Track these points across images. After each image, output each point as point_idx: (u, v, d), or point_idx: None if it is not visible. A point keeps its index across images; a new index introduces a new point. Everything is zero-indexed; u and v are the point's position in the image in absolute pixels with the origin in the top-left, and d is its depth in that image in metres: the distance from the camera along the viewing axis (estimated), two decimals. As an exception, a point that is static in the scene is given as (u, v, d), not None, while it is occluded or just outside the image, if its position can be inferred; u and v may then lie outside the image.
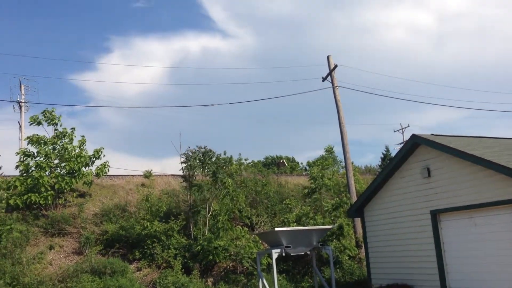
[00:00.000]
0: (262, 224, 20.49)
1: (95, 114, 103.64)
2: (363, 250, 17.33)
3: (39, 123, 20.40)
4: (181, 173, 20.57)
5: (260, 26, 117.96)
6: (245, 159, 24.60)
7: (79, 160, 19.92)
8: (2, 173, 20.30)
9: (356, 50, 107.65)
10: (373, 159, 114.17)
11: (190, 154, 19.68)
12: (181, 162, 19.57)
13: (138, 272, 17.06)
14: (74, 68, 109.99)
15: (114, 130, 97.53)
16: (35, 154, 19.87)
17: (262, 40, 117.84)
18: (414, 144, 13.34)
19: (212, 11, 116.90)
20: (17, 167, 19.81)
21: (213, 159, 19.73)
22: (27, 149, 20.05)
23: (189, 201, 19.51)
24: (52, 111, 20.61)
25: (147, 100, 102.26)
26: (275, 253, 12.97)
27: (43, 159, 19.67)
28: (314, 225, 18.13)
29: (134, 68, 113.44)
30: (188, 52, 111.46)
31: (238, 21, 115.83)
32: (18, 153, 20.18)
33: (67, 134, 20.43)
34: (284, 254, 13.19)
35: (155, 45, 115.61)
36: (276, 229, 13.27)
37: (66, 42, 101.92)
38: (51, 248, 17.64)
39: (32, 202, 18.81)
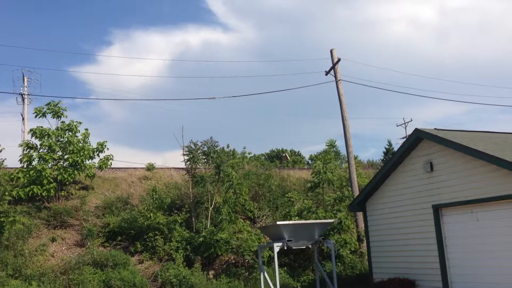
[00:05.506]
0: (264, 217, 20.50)
1: (96, 107, 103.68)
2: (364, 244, 17.31)
3: (43, 115, 20.43)
4: (183, 166, 20.59)
5: (261, 19, 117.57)
6: (248, 153, 24.58)
7: (82, 153, 19.95)
8: (5, 165, 20.35)
9: (358, 44, 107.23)
10: (375, 154, 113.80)
11: (193, 146, 19.69)
12: (183, 154, 19.59)
13: (140, 265, 17.11)
14: (75, 61, 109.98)
15: (115, 123, 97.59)
16: (38, 146, 19.91)
17: (263, 33, 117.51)
18: (417, 138, 13.27)
19: (212, 5, 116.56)
20: (21, 160, 19.85)
21: (217, 149, 19.73)
22: (30, 141, 20.10)
23: (191, 194, 19.51)
24: (58, 103, 20.67)
25: (148, 93, 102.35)
26: (277, 246, 12.97)
27: (46, 151, 19.70)
28: (316, 219, 18.11)
29: (134, 61, 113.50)
30: (189, 45, 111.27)
31: (239, 15, 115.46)
32: (21, 145, 20.22)
33: (72, 127, 20.45)
34: (285, 248, 13.19)
35: (156, 38, 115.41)
36: (278, 222, 13.27)
37: (67, 35, 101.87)
38: (53, 240, 17.71)
39: (35, 194, 18.87)
